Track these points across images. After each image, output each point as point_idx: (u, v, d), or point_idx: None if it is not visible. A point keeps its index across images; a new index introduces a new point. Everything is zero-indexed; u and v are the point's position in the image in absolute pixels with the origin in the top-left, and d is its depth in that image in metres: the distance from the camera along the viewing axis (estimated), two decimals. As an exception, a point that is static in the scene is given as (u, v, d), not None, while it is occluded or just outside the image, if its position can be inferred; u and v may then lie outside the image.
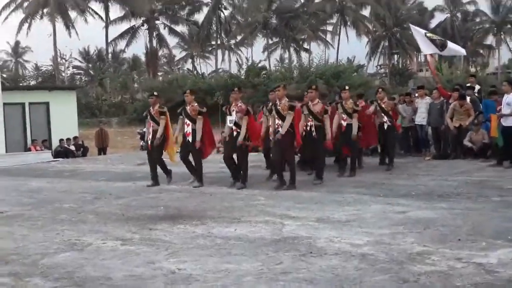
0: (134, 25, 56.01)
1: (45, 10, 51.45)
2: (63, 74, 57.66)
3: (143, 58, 60.49)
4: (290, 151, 9.70)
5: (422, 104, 14.55)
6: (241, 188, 9.79)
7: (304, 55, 54.42)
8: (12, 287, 4.67)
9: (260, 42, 61.10)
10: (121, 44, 57.66)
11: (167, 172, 10.88)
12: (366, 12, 59.81)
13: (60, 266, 5.28)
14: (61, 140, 21.42)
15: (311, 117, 10.08)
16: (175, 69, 62.91)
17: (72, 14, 52.96)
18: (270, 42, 60.37)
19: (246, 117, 9.97)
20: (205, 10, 57.34)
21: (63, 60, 57.01)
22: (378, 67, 64.35)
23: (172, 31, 57.82)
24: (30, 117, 21.45)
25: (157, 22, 56.93)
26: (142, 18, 55.25)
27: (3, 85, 21.24)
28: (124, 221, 7.37)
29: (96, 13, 54.38)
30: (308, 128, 10.13)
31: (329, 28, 61.11)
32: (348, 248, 5.46)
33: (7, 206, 9.04)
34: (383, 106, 11.82)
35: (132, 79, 56.23)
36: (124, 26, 56.16)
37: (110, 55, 58.76)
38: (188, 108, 10.43)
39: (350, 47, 66.77)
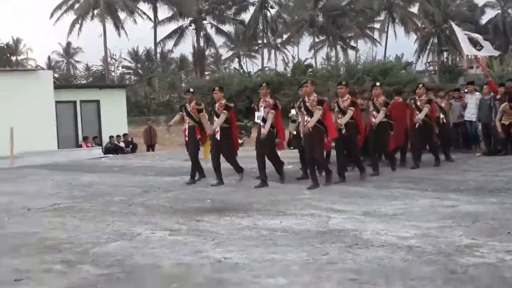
0: (181, 25, 56.72)
1: (95, 11, 52.53)
2: (113, 74, 58.85)
3: (190, 58, 61.16)
4: (318, 148, 9.33)
5: (472, 100, 14.29)
6: (283, 181, 9.93)
7: (351, 53, 54.05)
8: (64, 274, 4.81)
9: (306, 40, 61.00)
10: (169, 44, 58.47)
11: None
12: (414, 9, 58.94)
13: (110, 254, 5.42)
14: (111, 137, 21.90)
15: (341, 114, 9.93)
16: (222, 68, 63.31)
17: (122, 15, 53.94)
18: (317, 40, 60.15)
19: (273, 111, 9.73)
20: (252, 9, 57.66)
21: (113, 60, 58.26)
22: (427, 64, 63.29)
23: (219, 31, 58.29)
24: (81, 114, 22.03)
25: (204, 22, 57.46)
26: (190, 18, 55.86)
27: (56, 84, 21.79)
28: (172, 213, 7.50)
29: (145, 14, 55.24)
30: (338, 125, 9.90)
31: (377, 25, 60.48)
32: (394, 241, 5.42)
33: (59, 199, 9.32)
34: (418, 104, 11.50)
35: (179, 78, 56.88)
36: (172, 26, 56.96)
37: (158, 55, 59.64)
38: (216, 105, 10.31)
39: (398, 44, 65.80)
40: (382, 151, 11.21)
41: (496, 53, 16.28)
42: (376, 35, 60.30)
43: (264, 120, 9.74)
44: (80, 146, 21.31)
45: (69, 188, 10.79)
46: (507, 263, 4.53)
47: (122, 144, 22.04)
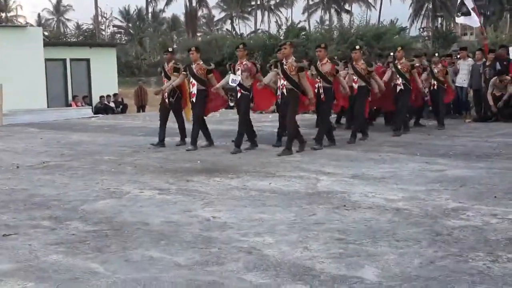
0: (174, -16, 55.93)
1: (86, -32, 51.63)
2: (103, 33, 58.21)
3: (182, 19, 60.50)
4: (291, 111, 8.97)
5: (464, 66, 14.27)
6: (236, 152, 9.17)
7: (345, 16, 53.52)
8: (52, 230, 4.83)
9: (300, 3, 60.54)
10: (161, 4, 57.81)
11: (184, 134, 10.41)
12: (410, -28, 58.35)
13: (99, 212, 5.43)
14: (101, 96, 21.73)
15: (319, 77, 9.56)
16: (214, 29, 62.70)
17: (113, -28, 53.05)
18: (311, 3, 59.57)
19: (259, 75, 9.47)
20: (246, -31, 56.80)
21: (104, 19, 57.52)
22: (421, 30, 62.91)
23: (212, -9, 57.56)
24: (71, 73, 21.78)
25: (197, -19, 56.68)
26: (182, -23, 55.08)
27: (45, 41, 21.53)
28: (161, 173, 7.51)
29: (137, -28, 54.34)
30: (316, 89, 9.51)
31: (372, -11, 59.90)
32: (382, 203, 5.47)
33: (48, 157, 9.30)
34: (398, 67, 11.01)
35: (171, 39, 56.36)
36: (164, -15, 56.14)
37: (150, 15, 58.91)
38: (194, 66, 9.77)
39: (393, 9, 65.41)
40: (355, 117, 10.57)
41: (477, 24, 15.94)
42: (370, -1, 59.79)
43: (240, 84, 9.31)
44: (70, 105, 21.16)
45: (58, 146, 10.75)
46: (492, 226, 4.59)
47: (112, 104, 21.90)
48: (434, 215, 4.95)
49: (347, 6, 60.08)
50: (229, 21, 64.06)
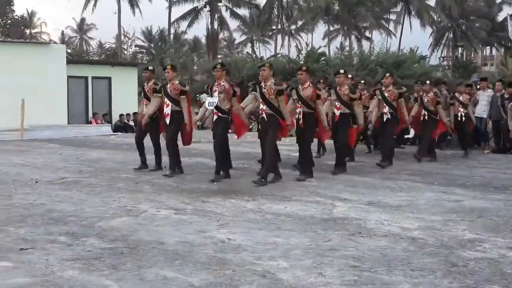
0: (196, 7, 56.41)
1: (111, -12, 52.43)
2: (125, 52, 58.89)
3: (203, 41, 60.99)
4: (271, 136, 8.43)
5: (484, 97, 14.24)
6: (216, 180, 8.59)
7: (365, 43, 53.69)
8: (69, 245, 4.87)
9: (321, 28, 60.62)
10: (183, 25, 58.23)
11: (160, 160, 9.89)
12: (431, 1, 58.35)
13: (115, 229, 5.48)
14: (121, 115, 21.95)
15: (300, 102, 8.88)
16: (235, 52, 63.16)
17: (138, -7, 53.80)
18: (331, 28, 59.77)
19: (235, 98, 8.87)
20: (268, -7, 57.21)
21: (126, 39, 58.23)
22: (441, 59, 62.86)
23: (233, 14, 57.97)
24: (93, 91, 22.05)
25: (219, 4, 57.12)
26: (205, 0, 55.61)
27: (68, 59, 21.85)
28: (178, 193, 7.56)
29: (160, -7, 55.07)
30: (296, 115, 8.89)
31: (393, 17, 59.97)
32: (398, 231, 5.45)
33: (67, 173, 9.40)
34: (385, 95, 10.53)
35: (192, 60, 56.76)
36: (187, 7, 56.68)
37: (171, 36, 59.50)
38: (168, 86, 9.22)
39: (413, 37, 65.19)
40: (340, 145, 9.80)
41: None
42: (391, 26, 59.81)
43: (218, 107, 8.70)
44: (90, 122, 21.40)
45: (77, 163, 10.86)
46: (508, 258, 4.54)
47: (131, 123, 22.11)
48: (450, 246, 4.92)
49: (367, 33, 60.16)
50: (249, 44, 64.50)
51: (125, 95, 22.44)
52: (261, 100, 8.48)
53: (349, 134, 9.80)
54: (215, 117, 8.83)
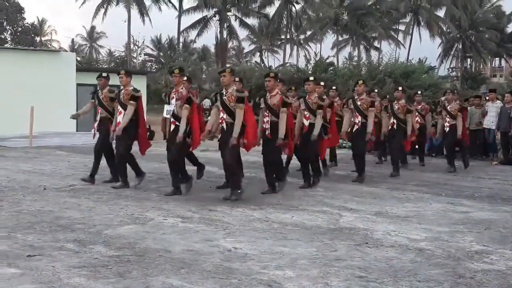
0: (206, 16, 56.70)
1: (121, -3, 52.77)
2: (135, 61, 59.14)
3: (212, 50, 61.22)
4: (230, 150, 7.76)
5: (493, 108, 14.21)
6: (171, 194, 8.06)
7: (373, 53, 53.80)
8: (76, 253, 4.89)
9: (329, 38, 60.79)
10: (192, 34, 58.51)
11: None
12: (441, 12, 58.44)
13: (122, 237, 5.49)
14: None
15: (268, 111, 8.32)
16: (243, 61, 63.30)
17: (147, 1, 54.16)
18: (340, 38, 59.91)
19: (188, 106, 8.04)
20: (277, 3, 57.37)
21: (136, 47, 58.51)
22: (450, 69, 62.80)
23: (242, 23, 58.19)
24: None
25: (228, 13, 57.38)
26: (214, 9, 55.85)
27: (77, 67, 21.99)
28: (185, 201, 7.57)
29: (170, 2, 55.36)
30: (264, 124, 8.35)
31: (401, 27, 60.06)
32: (405, 242, 5.43)
33: (75, 180, 9.44)
34: (358, 103, 9.77)
35: (200, 69, 56.96)
36: (197, 16, 56.97)
37: (181, 45, 59.77)
38: (122, 92, 8.76)
39: (422, 48, 65.69)
40: (307, 158, 9.15)
41: None
42: (400, 37, 59.92)
43: (175, 115, 8.15)
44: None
45: (85, 170, 10.86)
46: (516, 271, 4.52)
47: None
48: (457, 257, 4.91)
49: (376, 43, 60.28)
50: (258, 54, 64.68)
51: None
52: (221, 108, 7.83)
53: (318, 145, 9.07)
54: (173, 126, 8.18)
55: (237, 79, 8.87)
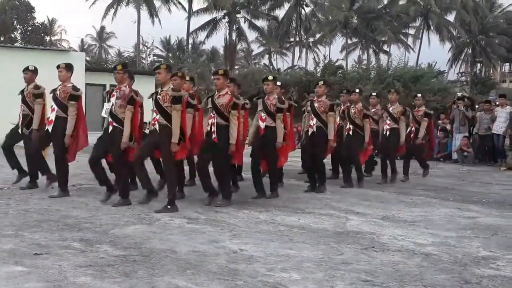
0: (215, 18, 56.76)
1: (131, -3, 52.91)
2: (144, 61, 59.27)
3: (221, 51, 61.26)
4: (167, 155, 7.16)
5: (502, 113, 14.17)
6: (119, 204, 7.18)
7: (383, 57, 53.64)
8: (82, 252, 4.90)
9: (339, 41, 60.75)
10: (201, 36, 58.59)
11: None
12: (451, 17, 58.26)
13: (129, 237, 5.50)
14: (138, 123, 22.05)
15: (214, 112, 7.48)
16: (252, 63, 63.32)
17: (157, 3, 54.27)
18: (349, 42, 59.86)
19: (130, 107, 7.28)
20: (286, 6, 57.37)
21: (145, 48, 58.64)
22: (459, 74, 62.59)
23: (252, 26, 58.19)
24: (110, 98, 22.19)
25: (238, 15, 57.42)
26: (224, 11, 55.91)
27: (86, 67, 22.07)
28: (191, 202, 7.59)
29: (180, 3, 55.45)
30: (209, 127, 7.55)
31: (411, 31, 59.88)
32: (411, 247, 5.41)
33: (83, 180, 9.48)
34: (315, 105, 8.90)
35: (209, 70, 56.94)
36: (206, 17, 57.04)
37: (190, 46, 59.87)
38: (58, 89, 8.04)
39: (431, 52, 65.23)
40: (269, 167, 8.45)
41: None
42: (410, 41, 59.72)
43: (112, 115, 7.35)
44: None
45: (93, 169, 10.91)
46: (523, 278, 4.50)
47: (147, 131, 22.23)
48: (463, 263, 4.88)
49: (385, 47, 60.16)
50: (267, 56, 64.68)
51: (143, 103, 22.52)
52: (155, 109, 7.10)
53: (277, 154, 8.25)
54: (110, 127, 7.38)
55: (230, 82, 8.14)
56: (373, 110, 10.78)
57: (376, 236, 5.86)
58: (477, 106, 16.09)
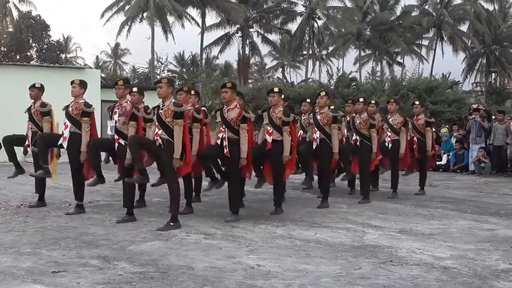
0: (228, 32, 57.04)
1: (145, 14, 53.32)
2: (158, 77, 59.62)
3: (235, 65, 61.51)
4: (169, 170, 7.09)
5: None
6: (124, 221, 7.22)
7: (397, 68, 53.44)
8: (100, 269, 4.92)
9: (352, 53, 60.68)
10: (215, 50, 58.88)
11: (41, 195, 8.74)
12: (464, 27, 58.00)
13: (146, 253, 5.51)
14: (153, 139, 22.14)
15: (224, 126, 7.46)
16: (266, 77, 63.47)
17: (170, 19, 54.61)
18: (363, 54, 59.80)
19: (134, 123, 7.35)
20: (299, 19, 57.54)
21: (159, 63, 59.06)
22: (474, 84, 62.22)
23: (265, 40, 58.38)
24: (126, 115, 22.30)
25: (251, 30, 57.66)
26: (237, 26, 56.18)
27: (102, 83, 22.26)
28: (208, 218, 7.59)
29: (193, 19, 55.77)
30: (219, 140, 7.49)
31: (425, 42, 59.71)
32: (430, 260, 5.37)
33: (99, 196, 9.53)
34: (318, 118, 8.73)
35: (223, 85, 57.10)
36: (219, 32, 57.36)
37: (203, 61, 60.17)
38: (71, 105, 8.15)
39: (446, 63, 64.89)
40: (274, 180, 8.14)
41: None
42: (423, 52, 59.52)
43: (118, 131, 7.47)
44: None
45: (109, 186, 10.92)
46: (545, 291, 4.44)
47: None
48: (483, 276, 4.83)
49: (399, 58, 60.02)
50: (280, 69, 64.81)
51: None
52: (157, 124, 6.95)
53: (284, 165, 7.98)
54: (116, 144, 7.50)
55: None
56: (418, 122, 10.49)
57: (394, 249, 5.82)
58: (493, 117, 15.97)
